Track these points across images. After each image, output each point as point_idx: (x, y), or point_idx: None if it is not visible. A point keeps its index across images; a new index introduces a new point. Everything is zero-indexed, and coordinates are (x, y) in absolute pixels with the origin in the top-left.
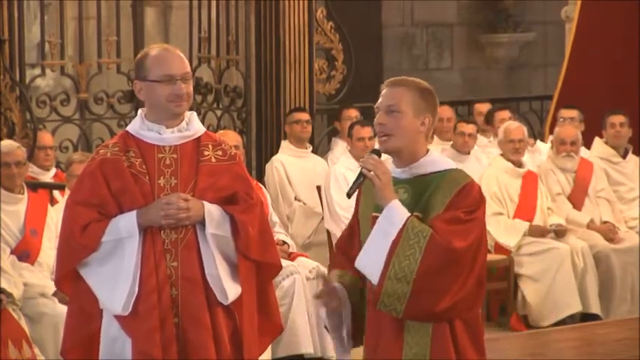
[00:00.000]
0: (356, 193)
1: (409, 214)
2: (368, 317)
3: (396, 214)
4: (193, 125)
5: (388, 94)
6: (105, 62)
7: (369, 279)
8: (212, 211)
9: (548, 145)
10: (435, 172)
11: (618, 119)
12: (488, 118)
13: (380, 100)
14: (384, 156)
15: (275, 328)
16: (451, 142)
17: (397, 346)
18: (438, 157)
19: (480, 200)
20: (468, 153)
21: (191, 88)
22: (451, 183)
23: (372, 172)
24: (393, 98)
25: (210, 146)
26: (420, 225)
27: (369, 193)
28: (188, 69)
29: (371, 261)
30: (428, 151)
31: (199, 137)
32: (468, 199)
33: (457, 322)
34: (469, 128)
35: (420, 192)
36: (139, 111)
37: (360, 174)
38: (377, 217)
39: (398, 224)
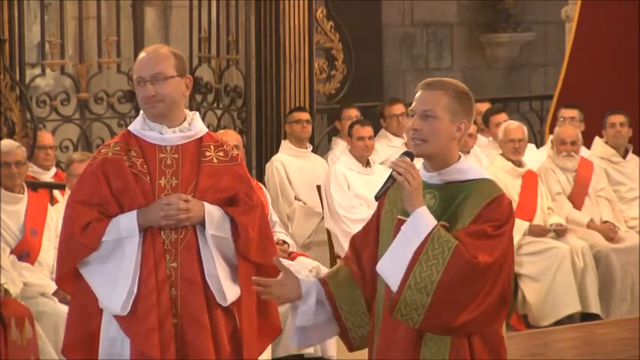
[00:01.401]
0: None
1: (436, 223)
2: (381, 326)
3: (422, 221)
4: (195, 125)
5: (424, 97)
6: (105, 62)
7: (388, 285)
8: (212, 212)
9: (548, 145)
10: (466, 181)
11: (618, 119)
12: (485, 120)
13: (414, 103)
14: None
15: (274, 330)
16: None
17: (415, 356)
18: (470, 164)
19: (509, 214)
20: (468, 152)
21: (166, 89)
22: (481, 194)
23: (401, 177)
24: (429, 102)
25: (211, 147)
26: (446, 235)
27: (396, 194)
28: (160, 69)
29: (392, 267)
30: (460, 157)
31: (201, 138)
32: (496, 213)
33: (475, 338)
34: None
35: (449, 200)
36: (141, 110)
37: (390, 176)
38: (402, 221)
39: (423, 232)
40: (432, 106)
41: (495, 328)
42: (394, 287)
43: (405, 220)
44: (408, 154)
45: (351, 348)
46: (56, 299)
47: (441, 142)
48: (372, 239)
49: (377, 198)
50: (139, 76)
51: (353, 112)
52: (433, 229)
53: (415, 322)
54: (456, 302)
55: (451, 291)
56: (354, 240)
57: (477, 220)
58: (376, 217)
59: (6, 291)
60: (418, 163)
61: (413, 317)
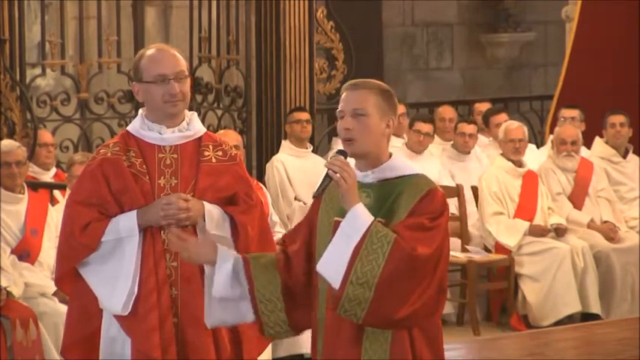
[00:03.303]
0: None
1: (373, 219)
2: (326, 321)
3: (360, 218)
4: (194, 125)
5: (352, 97)
6: (105, 62)
7: (329, 283)
8: (212, 211)
9: (548, 145)
10: (399, 177)
11: (618, 119)
12: (486, 120)
13: (342, 104)
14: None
15: None
16: (451, 142)
17: (356, 352)
18: (402, 161)
19: (443, 207)
20: (469, 152)
21: (186, 87)
22: (415, 189)
23: (337, 175)
24: (359, 101)
25: (210, 146)
26: (383, 230)
27: (331, 197)
28: (182, 67)
29: (333, 265)
30: (391, 155)
31: (200, 137)
32: (431, 206)
33: (417, 333)
34: (470, 128)
35: (384, 197)
36: (140, 110)
37: (327, 176)
38: (339, 222)
39: (362, 228)
40: (363, 105)
41: (435, 319)
42: (336, 284)
43: (342, 221)
44: (342, 153)
45: (264, 333)
46: (56, 299)
47: (372, 139)
48: (301, 236)
49: (315, 196)
50: (161, 73)
51: None
52: (371, 224)
53: (359, 318)
54: (398, 295)
55: (393, 284)
56: (284, 237)
57: (413, 213)
58: (308, 218)
59: (9, 293)
60: (352, 162)
61: (356, 313)
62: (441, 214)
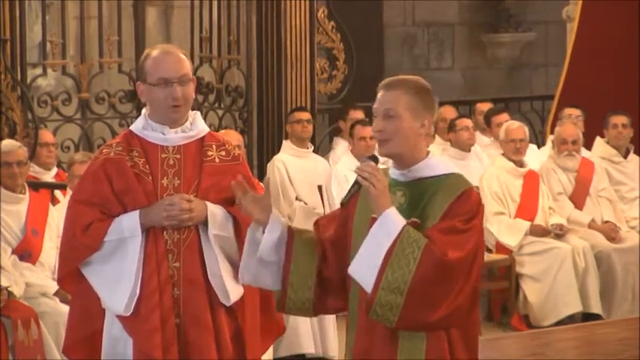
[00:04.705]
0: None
1: (405, 223)
2: (358, 319)
3: (391, 223)
4: (197, 125)
5: (384, 97)
6: (106, 62)
7: (362, 287)
8: (215, 211)
9: (549, 145)
10: (434, 177)
11: (620, 120)
12: (487, 120)
13: (376, 104)
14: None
15: (277, 329)
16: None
17: (392, 351)
18: (438, 160)
19: (478, 207)
20: (469, 150)
21: (189, 91)
22: (450, 189)
23: (367, 181)
24: (390, 102)
25: (213, 146)
26: (415, 234)
27: (366, 196)
28: (186, 71)
29: (364, 269)
30: (428, 153)
31: (203, 137)
32: (465, 206)
33: (455, 336)
34: (469, 122)
35: (418, 196)
36: (143, 110)
37: (356, 182)
38: (376, 220)
39: (393, 234)
40: (393, 105)
41: (472, 317)
42: (368, 289)
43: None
44: (373, 158)
45: (282, 308)
46: (57, 299)
47: (405, 139)
48: (335, 225)
49: (343, 204)
50: (164, 77)
51: (359, 114)
52: (402, 229)
53: (391, 322)
54: (431, 299)
55: (424, 289)
56: (318, 220)
57: (447, 215)
58: (346, 210)
59: (10, 293)
60: (388, 163)
61: (389, 318)
62: (475, 215)
